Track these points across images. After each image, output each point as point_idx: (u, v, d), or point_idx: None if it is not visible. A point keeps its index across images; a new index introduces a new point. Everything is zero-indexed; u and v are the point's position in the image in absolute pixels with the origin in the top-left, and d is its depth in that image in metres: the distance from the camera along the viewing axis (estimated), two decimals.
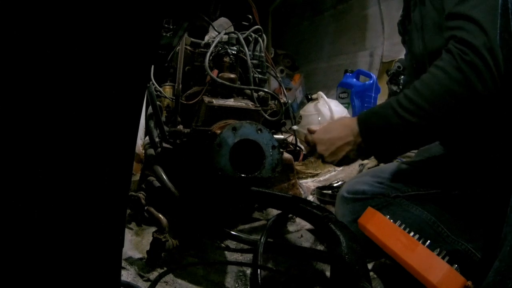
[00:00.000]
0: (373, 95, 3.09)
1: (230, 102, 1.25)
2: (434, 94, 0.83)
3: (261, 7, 1.85)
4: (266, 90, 1.47)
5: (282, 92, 1.81)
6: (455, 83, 0.80)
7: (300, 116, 2.81)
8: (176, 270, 1.06)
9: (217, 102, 1.20)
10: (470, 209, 0.99)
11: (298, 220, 1.50)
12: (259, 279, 0.98)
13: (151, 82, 1.47)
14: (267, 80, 1.66)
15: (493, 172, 0.94)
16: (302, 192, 1.79)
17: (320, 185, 1.98)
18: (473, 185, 0.98)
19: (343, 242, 0.86)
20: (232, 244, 1.28)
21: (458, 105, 0.81)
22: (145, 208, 1.19)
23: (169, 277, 1.03)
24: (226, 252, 1.25)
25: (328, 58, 4.28)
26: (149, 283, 0.97)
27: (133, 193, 1.25)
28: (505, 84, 0.77)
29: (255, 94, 1.43)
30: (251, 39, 1.61)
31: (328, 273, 1.13)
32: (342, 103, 2.98)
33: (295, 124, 1.92)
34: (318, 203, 1.66)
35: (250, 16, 1.64)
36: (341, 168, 2.27)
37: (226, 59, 1.45)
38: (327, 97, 2.75)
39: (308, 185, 2.06)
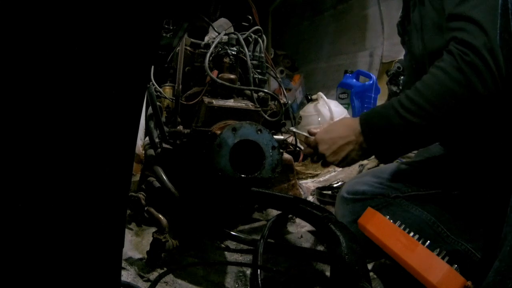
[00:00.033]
0: (373, 95, 3.09)
1: (230, 102, 1.25)
2: (435, 95, 0.83)
3: (261, 8, 1.85)
4: (266, 90, 1.48)
5: (282, 93, 1.81)
6: (456, 84, 0.80)
7: (300, 117, 2.81)
8: (176, 270, 1.06)
9: (217, 102, 1.20)
10: (470, 209, 0.99)
11: (298, 220, 1.50)
12: (259, 279, 0.98)
13: (151, 83, 1.47)
14: (267, 81, 1.66)
15: (493, 172, 0.95)
16: (302, 193, 1.79)
17: (320, 185, 1.98)
18: (473, 185, 0.98)
19: (343, 242, 0.86)
20: (232, 244, 1.28)
21: (459, 105, 0.81)
22: (145, 208, 1.19)
23: (169, 277, 1.03)
24: (226, 252, 1.25)
25: (328, 58, 4.28)
26: (149, 283, 0.97)
27: (133, 194, 1.25)
28: (506, 84, 0.78)
29: (255, 95, 1.43)
30: (251, 39, 1.61)
31: (328, 274, 1.13)
32: (342, 104, 2.98)
33: (294, 125, 1.92)
34: (318, 203, 1.66)
35: (250, 17, 1.65)
36: (341, 168, 2.27)
37: (226, 60, 1.45)
38: (327, 98, 2.75)
39: (308, 185, 2.06)
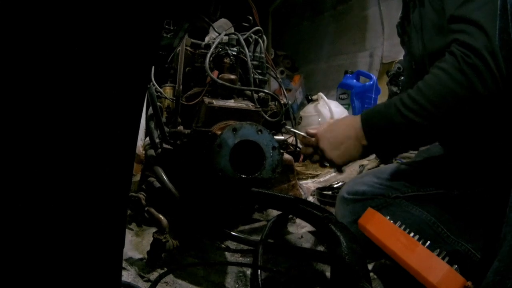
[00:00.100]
0: (373, 96, 3.09)
1: (231, 103, 1.25)
2: (437, 95, 0.84)
3: (261, 8, 1.85)
4: (266, 91, 1.48)
5: (282, 93, 1.81)
6: (457, 85, 0.81)
7: (300, 117, 2.81)
8: (176, 270, 1.06)
9: (218, 103, 1.20)
10: (470, 210, 0.99)
11: (298, 221, 1.50)
12: (259, 279, 0.98)
13: (151, 83, 1.47)
14: (267, 81, 1.66)
15: (493, 172, 0.95)
16: (302, 193, 1.79)
17: (320, 186, 1.99)
18: (473, 185, 0.98)
19: (343, 242, 0.86)
20: (232, 244, 1.28)
21: (460, 105, 0.82)
22: (146, 208, 1.19)
23: (169, 277, 1.03)
24: (226, 252, 1.25)
25: (328, 58, 4.28)
26: (149, 283, 0.97)
27: (133, 194, 1.25)
28: (506, 84, 0.78)
29: (255, 95, 1.43)
30: (251, 40, 1.61)
31: (328, 274, 1.13)
32: (342, 104, 2.98)
33: (295, 125, 1.92)
34: (318, 204, 1.66)
35: (250, 17, 1.65)
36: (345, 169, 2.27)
37: (227, 60, 1.45)
38: (327, 98, 2.75)
39: (308, 186, 2.06)
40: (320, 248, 1.31)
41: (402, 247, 0.81)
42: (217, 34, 1.54)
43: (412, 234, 0.82)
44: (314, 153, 1.08)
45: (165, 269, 1.05)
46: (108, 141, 0.50)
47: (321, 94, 2.77)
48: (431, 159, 1.15)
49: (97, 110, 0.48)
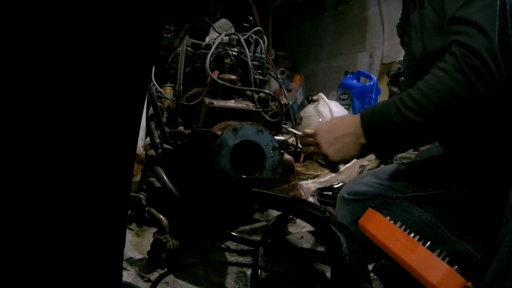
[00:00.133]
0: (373, 96, 3.09)
1: (231, 103, 1.25)
2: (437, 95, 0.84)
3: (262, 8, 1.86)
4: (266, 91, 1.48)
5: (283, 94, 1.81)
6: (458, 85, 0.82)
7: (301, 118, 2.81)
8: (177, 270, 1.06)
9: (218, 103, 1.20)
10: (470, 210, 1.00)
11: (298, 221, 1.50)
12: (260, 280, 0.99)
13: (152, 83, 1.47)
14: (267, 82, 1.66)
15: (493, 172, 0.95)
16: (302, 193, 1.79)
17: (320, 186, 1.98)
18: (473, 185, 0.98)
19: (343, 243, 0.86)
20: (232, 245, 1.28)
21: (461, 106, 0.83)
22: (146, 209, 1.19)
23: (170, 277, 1.03)
24: (226, 253, 1.25)
25: (328, 59, 4.29)
26: (149, 283, 0.97)
27: (133, 194, 1.25)
28: (506, 85, 0.78)
29: (255, 96, 1.43)
30: (251, 40, 1.61)
31: (328, 274, 1.13)
32: (342, 105, 2.98)
33: (295, 126, 1.92)
34: (319, 204, 1.66)
35: (251, 18, 1.65)
36: (341, 169, 2.27)
37: (227, 61, 1.45)
38: (328, 98, 2.75)
39: (308, 186, 2.06)
40: (321, 248, 1.31)
41: (402, 247, 0.81)
42: (218, 35, 1.54)
43: (412, 235, 0.82)
44: (314, 151, 1.07)
45: (166, 269, 1.05)
46: (109, 141, 0.50)
47: (321, 94, 2.77)
48: (431, 160, 1.15)
49: (98, 110, 0.48)
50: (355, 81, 3.18)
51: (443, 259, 0.75)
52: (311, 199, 1.83)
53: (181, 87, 1.33)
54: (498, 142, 0.91)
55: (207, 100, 1.22)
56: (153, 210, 1.15)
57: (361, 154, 1.00)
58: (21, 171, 0.44)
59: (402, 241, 0.82)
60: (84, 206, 0.50)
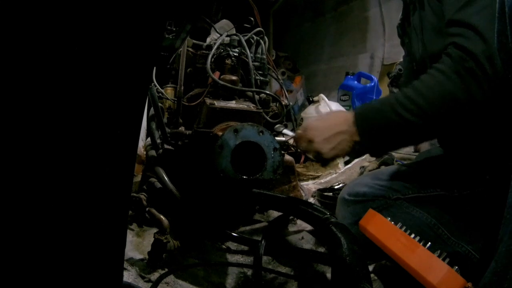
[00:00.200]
0: (374, 97, 3.09)
1: (232, 104, 1.25)
2: (434, 95, 0.85)
3: (262, 9, 1.86)
4: (267, 92, 1.48)
5: (284, 94, 1.81)
6: (454, 87, 0.82)
7: (301, 118, 2.81)
8: (177, 271, 1.06)
9: (219, 104, 1.20)
10: (470, 211, 1.00)
11: (299, 222, 1.50)
12: (260, 280, 0.99)
13: (153, 84, 1.47)
14: (268, 82, 1.66)
15: (492, 172, 0.95)
16: (303, 194, 1.79)
17: (321, 187, 1.99)
18: (473, 186, 0.99)
19: (344, 244, 0.86)
20: (233, 245, 1.29)
21: (456, 107, 0.83)
22: (147, 209, 1.19)
23: (170, 278, 1.03)
24: (227, 253, 1.25)
25: (328, 60, 4.29)
26: (150, 284, 0.97)
27: (134, 194, 1.25)
28: (505, 86, 0.78)
29: (256, 96, 1.44)
30: (252, 41, 1.61)
31: (329, 275, 1.13)
32: (343, 106, 2.98)
33: (296, 127, 1.92)
34: (319, 205, 1.66)
35: (252, 18, 1.65)
36: (342, 170, 2.27)
37: (228, 61, 1.45)
38: (328, 99, 2.75)
39: (309, 187, 2.06)
40: (321, 249, 1.31)
41: (403, 248, 0.81)
42: (219, 35, 1.55)
43: (412, 236, 0.82)
44: (307, 148, 1.04)
45: (166, 269, 1.05)
46: (110, 142, 0.51)
47: (322, 95, 2.77)
48: (431, 161, 1.15)
49: (99, 111, 0.48)
50: (355, 82, 3.18)
51: (443, 260, 0.75)
52: (311, 200, 1.83)
53: (182, 88, 1.34)
54: (497, 142, 0.92)
55: (208, 101, 1.22)
56: (153, 211, 1.15)
57: (353, 151, 0.99)
58: (22, 171, 0.45)
59: (402, 241, 0.82)
60: (84, 206, 0.50)
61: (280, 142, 1.10)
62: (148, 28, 0.50)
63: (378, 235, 0.87)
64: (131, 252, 1.15)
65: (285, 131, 1.26)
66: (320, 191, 1.80)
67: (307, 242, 1.36)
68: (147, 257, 1.09)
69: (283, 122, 1.55)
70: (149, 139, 1.43)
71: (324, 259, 1.20)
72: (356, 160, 2.27)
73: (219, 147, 0.98)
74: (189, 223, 1.29)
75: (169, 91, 1.64)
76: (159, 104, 1.32)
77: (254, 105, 1.30)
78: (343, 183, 1.93)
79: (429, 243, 0.80)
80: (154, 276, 1.02)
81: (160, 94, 1.56)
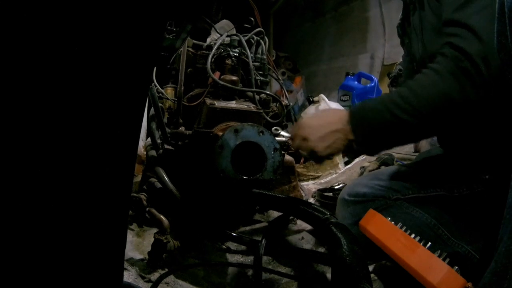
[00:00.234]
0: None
1: (232, 104, 1.25)
2: (428, 95, 0.85)
3: (263, 9, 1.86)
4: (268, 92, 1.48)
5: (284, 95, 1.81)
6: (449, 87, 0.82)
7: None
8: (177, 271, 1.06)
9: (219, 104, 1.20)
10: (470, 211, 1.00)
11: (299, 222, 1.50)
12: (260, 280, 0.99)
13: (153, 84, 1.47)
14: (268, 83, 1.66)
15: (492, 172, 0.95)
16: (303, 194, 1.79)
17: (321, 187, 1.99)
18: (472, 186, 0.99)
19: (344, 244, 0.86)
20: (233, 245, 1.29)
21: (451, 107, 0.83)
22: (147, 209, 1.19)
23: (170, 278, 1.03)
24: (227, 253, 1.25)
25: (329, 60, 4.29)
26: (150, 284, 0.98)
27: (134, 194, 1.25)
28: (504, 86, 0.78)
29: (257, 96, 1.43)
30: (253, 41, 1.61)
31: (329, 275, 1.13)
32: (343, 106, 2.98)
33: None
34: (319, 205, 1.66)
35: (252, 19, 1.65)
36: (342, 170, 2.27)
37: (228, 61, 1.45)
38: (328, 100, 2.75)
39: (309, 187, 2.06)
40: (321, 249, 1.31)
41: (403, 248, 0.81)
42: (219, 35, 1.55)
43: (413, 236, 0.82)
44: (300, 146, 1.02)
45: (166, 269, 1.06)
46: (110, 142, 0.51)
47: (322, 95, 2.77)
48: (431, 161, 1.15)
49: (99, 111, 0.49)
50: (356, 82, 3.18)
51: (443, 260, 0.75)
52: (311, 200, 1.83)
53: (182, 88, 1.33)
54: (497, 142, 0.92)
55: (208, 101, 1.22)
56: (154, 211, 1.15)
57: (347, 149, 0.99)
58: (22, 171, 0.45)
59: (402, 241, 0.82)
60: (84, 207, 0.50)
61: (280, 143, 1.10)
62: (149, 28, 0.50)
63: (378, 235, 0.87)
64: (131, 252, 1.15)
65: (282, 133, 1.26)
66: (320, 191, 1.80)
67: (307, 242, 1.36)
68: (147, 257, 1.09)
69: (283, 122, 1.55)
70: (149, 139, 1.43)
71: (324, 259, 1.20)
72: (356, 161, 2.28)
73: (219, 147, 0.98)
74: (189, 223, 1.29)
75: (169, 91, 1.64)
76: (159, 104, 1.31)
77: (254, 105, 1.30)
78: (343, 183, 1.93)
79: (429, 243, 0.80)
80: (154, 276, 1.02)
81: (160, 94, 1.56)
